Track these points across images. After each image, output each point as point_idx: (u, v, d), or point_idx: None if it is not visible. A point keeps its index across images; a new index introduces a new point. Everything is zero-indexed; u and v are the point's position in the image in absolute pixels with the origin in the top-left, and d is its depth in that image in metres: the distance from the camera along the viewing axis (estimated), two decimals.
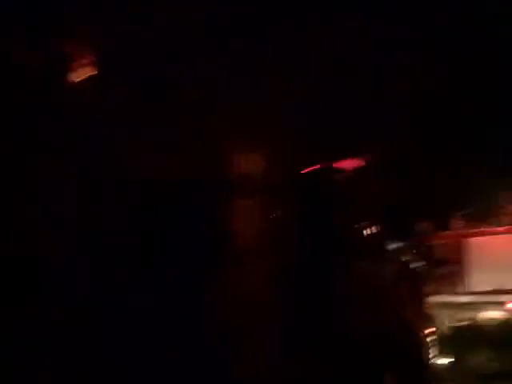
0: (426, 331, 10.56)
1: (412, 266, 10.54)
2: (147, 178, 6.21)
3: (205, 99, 6.79)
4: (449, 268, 14.74)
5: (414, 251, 11.83)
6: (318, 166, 8.68)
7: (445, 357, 12.45)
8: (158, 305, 5.86)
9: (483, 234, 14.83)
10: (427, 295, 11.72)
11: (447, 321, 14.98)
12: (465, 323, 14.89)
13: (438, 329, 14.11)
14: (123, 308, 5.61)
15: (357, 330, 8.02)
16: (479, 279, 14.40)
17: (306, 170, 8.26)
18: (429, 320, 11.26)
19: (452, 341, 14.44)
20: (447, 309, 15.11)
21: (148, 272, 5.96)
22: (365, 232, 9.17)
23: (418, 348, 9.84)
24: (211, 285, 6.49)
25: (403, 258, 10.51)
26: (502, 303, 13.94)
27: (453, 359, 12.74)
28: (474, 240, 14.63)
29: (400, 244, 10.94)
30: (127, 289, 5.72)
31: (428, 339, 10.55)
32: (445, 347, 13.52)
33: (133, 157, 6.16)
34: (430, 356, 10.54)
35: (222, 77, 6.96)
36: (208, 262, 6.43)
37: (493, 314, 14.50)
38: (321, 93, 8.03)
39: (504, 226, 15.24)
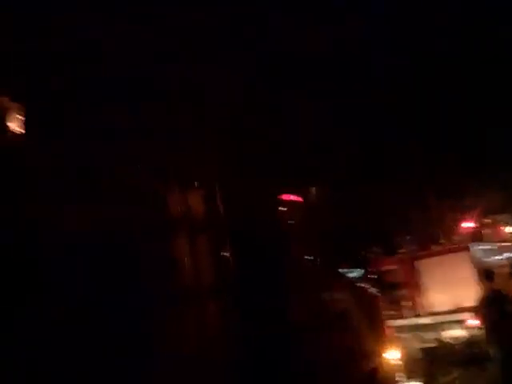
0: (390, 355, 10.73)
1: (367, 291, 10.82)
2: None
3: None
4: (405, 291, 15.10)
5: (368, 277, 12.19)
6: (265, 198, 9.04)
7: (414, 379, 12.64)
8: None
9: (433, 254, 15.29)
10: (387, 319, 11.96)
11: (412, 343, 15.22)
12: (430, 344, 15.17)
13: (404, 352, 14.36)
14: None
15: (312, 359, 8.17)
16: (436, 299, 14.75)
17: (252, 203, 8.56)
18: (391, 344, 11.45)
19: (419, 363, 14.67)
20: (411, 331, 15.38)
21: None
22: (314, 261, 9.48)
23: (381, 371, 10.00)
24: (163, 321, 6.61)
25: (358, 285, 10.80)
26: (462, 321, 14.30)
27: (422, 381, 12.95)
28: (424, 261, 15.10)
29: (353, 271, 11.29)
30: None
31: (392, 363, 10.71)
32: (413, 369, 13.73)
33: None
34: (397, 380, 10.67)
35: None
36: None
37: (455, 333, 14.83)
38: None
39: (452, 244, 15.81)
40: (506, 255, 16.87)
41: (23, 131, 6.31)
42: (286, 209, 9.55)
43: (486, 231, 16.96)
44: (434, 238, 15.62)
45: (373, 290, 11.30)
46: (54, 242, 5.99)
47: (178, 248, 7.21)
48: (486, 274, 10.53)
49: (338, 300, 9.84)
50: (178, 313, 6.87)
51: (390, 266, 14.75)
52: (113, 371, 5.96)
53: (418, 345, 14.87)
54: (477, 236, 16.39)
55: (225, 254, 7.94)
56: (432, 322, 14.60)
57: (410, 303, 14.80)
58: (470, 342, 14.42)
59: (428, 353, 15.02)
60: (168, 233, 7.26)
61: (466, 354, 14.33)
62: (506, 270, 14.12)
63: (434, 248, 15.41)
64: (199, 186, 7.91)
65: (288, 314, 8.47)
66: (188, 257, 7.27)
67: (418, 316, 14.74)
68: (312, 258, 9.76)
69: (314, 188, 9.84)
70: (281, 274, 8.84)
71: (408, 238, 15.20)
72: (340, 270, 10.85)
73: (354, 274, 11.14)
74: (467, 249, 14.97)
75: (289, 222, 9.66)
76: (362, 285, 11.13)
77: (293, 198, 9.94)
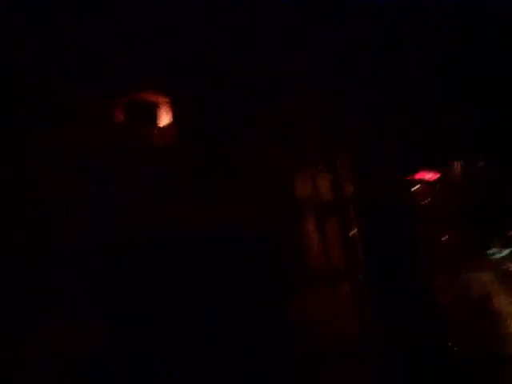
0: None
1: None
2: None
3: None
4: None
5: None
6: (398, 177, 8.56)
7: None
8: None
9: None
10: None
11: None
12: None
13: None
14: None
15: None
16: None
17: (382, 183, 8.15)
18: None
19: None
20: None
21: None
22: (453, 242, 8.81)
23: None
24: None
25: (504, 266, 9.95)
26: None
27: None
28: None
29: (503, 251, 10.39)
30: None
31: None
32: None
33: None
34: None
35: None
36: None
37: None
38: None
39: None
40: None
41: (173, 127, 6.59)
42: (421, 187, 8.92)
43: None
44: None
45: None
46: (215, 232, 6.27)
47: (311, 230, 7.19)
48: None
49: (480, 281, 9.14)
50: (312, 293, 6.90)
51: None
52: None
53: None
54: None
55: (355, 234, 7.72)
56: None
57: None
58: None
59: None
60: (301, 216, 7.25)
61: None
62: None
63: None
64: (328, 169, 7.72)
65: (423, 295, 8.07)
66: (319, 239, 7.22)
67: None
68: (450, 237, 9.08)
69: (459, 162, 9.02)
70: (415, 255, 8.39)
71: None
72: (489, 251, 10.03)
73: (504, 253, 10.19)
74: None
75: (424, 200, 9.02)
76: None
77: (430, 175, 9.21)
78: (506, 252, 10.21)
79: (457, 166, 8.99)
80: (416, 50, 7.87)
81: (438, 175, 8.75)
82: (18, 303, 5.32)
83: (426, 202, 8.51)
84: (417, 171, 8.52)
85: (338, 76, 7.38)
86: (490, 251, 10.13)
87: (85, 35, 5.97)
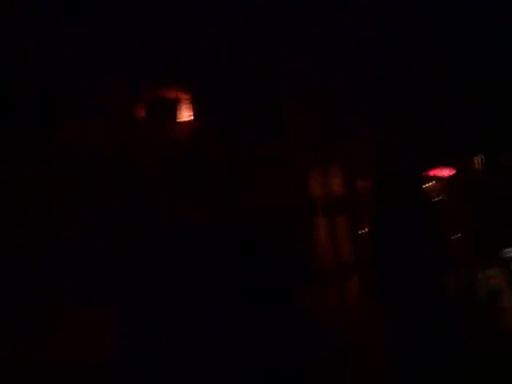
0: None
1: None
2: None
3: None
4: None
5: None
6: (410, 175, 8.49)
7: None
8: None
9: None
10: None
11: None
12: None
13: None
14: None
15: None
16: None
17: (395, 181, 8.10)
18: None
19: None
20: None
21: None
22: (465, 239, 8.68)
23: None
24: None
25: None
26: None
27: None
28: None
29: None
30: None
31: None
32: None
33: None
34: None
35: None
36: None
37: None
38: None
39: None
40: None
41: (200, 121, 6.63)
42: (435, 184, 8.79)
43: None
44: None
45: None
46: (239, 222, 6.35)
47: (322, 226, 7.28)
48: None
49: (489, 278, 9.05)
50: (322, 286, 6.97)
51: None
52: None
53: None
54: None
55: (364, 232, 7.75)
56: None
57: None
58: None
59: None
60: (313, 212, 7.31)
61: None
62: None
63: None
64: (339, 167, 7.75)
65: (433, 290, 8.03)
66: (331, 235, 7.31)
67: None
68: (464, 234, 8.94)
69: (479, 156, 8.77)
70: (426, 251, 8.33)
71: None
72: (505, 250, 9.94)
73: None
74: None
75: (438, 198, 8.90)
76: None
77: (444, 171, 9.08)
78: None
79: (472, 163, 8.87)
80: (416, 50, 7.86)
81: (452, 171, 8.69)
82: (18, 303, 5.31)
83: (440, 197, 8.48)
84: (432, 167, 8.49)
85: (337, 76, 7.37)
86: (507, 250, 9.99)
87: (94, 35, 5.99)
